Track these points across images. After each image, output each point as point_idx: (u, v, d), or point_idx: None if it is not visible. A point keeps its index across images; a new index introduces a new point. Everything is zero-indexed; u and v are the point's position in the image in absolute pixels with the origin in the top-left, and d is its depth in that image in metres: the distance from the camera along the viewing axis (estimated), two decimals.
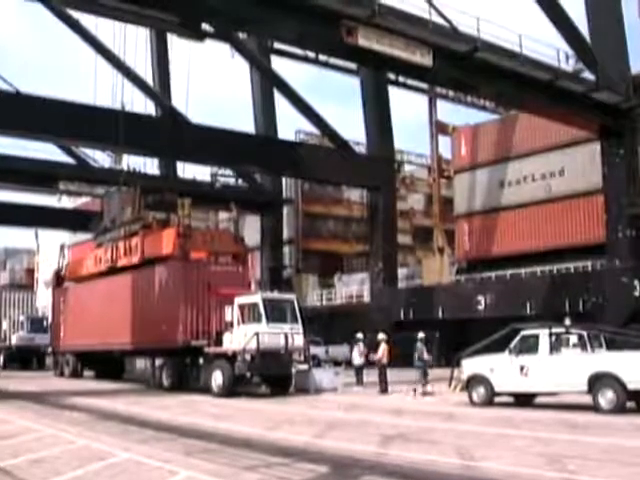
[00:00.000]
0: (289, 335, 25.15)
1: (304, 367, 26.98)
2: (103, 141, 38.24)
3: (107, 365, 36.11)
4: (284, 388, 26.04)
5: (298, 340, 25.81)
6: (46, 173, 45.29)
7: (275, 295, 27.94)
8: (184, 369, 27.79)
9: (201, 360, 26.74)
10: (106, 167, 49.79)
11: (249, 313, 25.25)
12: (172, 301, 28.36)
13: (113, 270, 33.11)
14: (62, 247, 42.35)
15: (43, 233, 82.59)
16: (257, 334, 24.25)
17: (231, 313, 25.36)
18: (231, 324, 25.48)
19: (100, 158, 50.63)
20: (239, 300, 25.60)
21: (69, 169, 47.75)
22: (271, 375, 25.69)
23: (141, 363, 39.10)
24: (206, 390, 25.71)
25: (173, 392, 26.90)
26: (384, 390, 25.85)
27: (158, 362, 30.04)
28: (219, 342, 26.01)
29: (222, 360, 25.40)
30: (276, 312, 25.49)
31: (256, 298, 25.67)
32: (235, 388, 25.10)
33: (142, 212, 31.96)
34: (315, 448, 13.25)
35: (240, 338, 24.88)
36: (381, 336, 26.89)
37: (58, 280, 39.84)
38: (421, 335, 26.26)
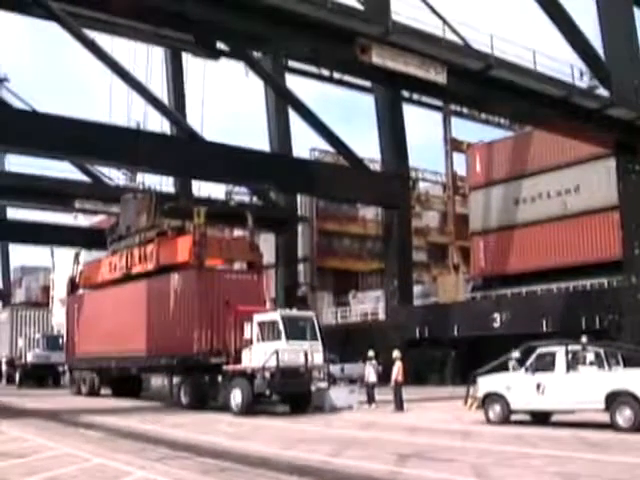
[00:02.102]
0: (309, 353, 24.89)
1: (324, 385, 26.65)
2: (119, 159, 38.44)
3: (125, 383, 35.99)
4: (304, 406, 25.78)
5: (318, 358, 25.48)
6: (62, 192, 45.54)
7: (294, 312, 27.77)
8: (203, 387, 27.53)
9: (220, 378, 26.47)
10: (121, 185, 50.05)
11: (268, 331, 25.02)
12: (187, 309, 28.30)
13: (128, 277, 33.15)
14: (77, 255, 42.37)
15: (59, 251, 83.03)
16: (277, 352, 24.03)
17: (250, 330, 25.15)
18: (250, 341, 25.24)
19: (115, 176, 50.98)
20: (258, 317, 25.43)
21: (85, 187, 48.01)
22: (291, 393, 25.37)
23: (159, 381, 38.83)
24: (225, 408, 25.48)
25: (191, 410, 26.74)
26: (399, 408, 25.74)
27: (176, 380, 29.79)
28: (238, 359, 25.74)
29: (241, 378, 25.15)
30: (295, 329, 25.24)
31: (275, 315, 25.46)
32: (254, 406, 24.86)
33: (157, 219, 31.99)
34: (331, 467, 13.22)
35: (259, 356, 24.62)
36: (396, 354, 26.74)
37: (72, 287, 39.83)
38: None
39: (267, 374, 24.34)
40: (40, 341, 49.62)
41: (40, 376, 48.41)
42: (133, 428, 20.79)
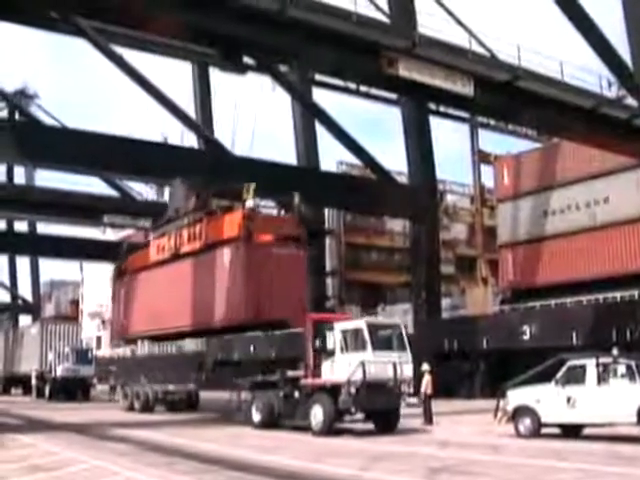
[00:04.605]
0: (397, 364, 22.65)
1: (414, 401, 24.40)
2: (147, 174, 38.69)
3: (180, 397, 35.48)
4: (392, 424, 23.42)
5: (407, 370, 23.08)
6: (91, 206, 45.97)
7: (380, 320, 26.63)
8: (277, 403, 24.88)
9: (296, 393, 24.22)
10: (149, 199, 50.50)
11: (352, 340, 22.89)
12: (236, 281, 27.88)
13: (176, 257, 32.79)
14: (123, 241, 42.64)
15: (88, 265, 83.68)
16: (362, 363, 21.93)
17: (332, 340, 22.98)
18: (332, 352, 23.03)
19: (144, 191, 51.42)
20: (340, 326, 23.38)
21: (113, 202, 48.43)
22: (377, 410, 22.98)
23: (221, 395, 35.97)
24: (301, 427, 23.29)
25: (263, 429, 24.52)
26: (429, 421, 25.57)
27: (245, 395, 27.29)
28: (317, 373, 23.58)
29: (322, 393, 22.91)
30: (381, 339, 23.23)
31: (360, 323, 23.21)
32: (335, 425, 22.72)
33: (207, 200, 32.10)
34: None
35: (342, 368, 22.49)
36: (425, 367, 26.52)
37: (119, 273, 39.82)
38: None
39: (352, 389, 22.09)
40: (70, 355, 50.02)
41: (69, 390, 48.69)
42: (165, 442, 20.82)
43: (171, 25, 25.30)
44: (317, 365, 23.56)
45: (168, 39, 35.05)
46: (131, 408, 35.47)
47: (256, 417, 25.36)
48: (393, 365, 22.52)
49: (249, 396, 26.72)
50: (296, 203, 30.62)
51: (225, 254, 28.95)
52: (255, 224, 28.22)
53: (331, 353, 23.07)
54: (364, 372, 21.85)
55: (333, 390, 22.62)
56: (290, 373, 25.12)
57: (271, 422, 24.85)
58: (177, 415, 32.57)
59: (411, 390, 23.75)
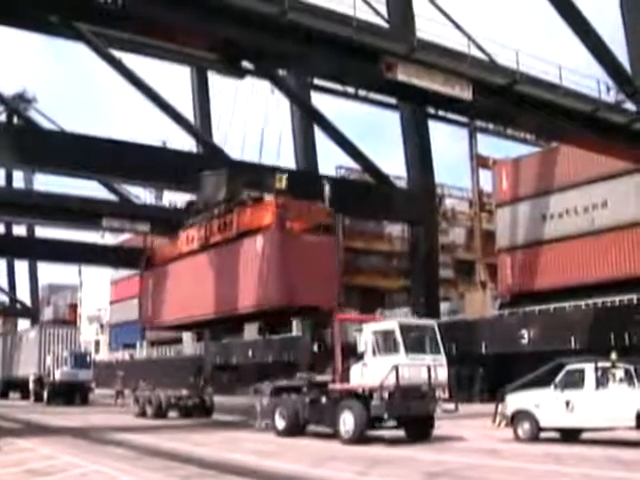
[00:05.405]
0: (432, 368, 21.33)
1: (450, 407, 22.28)
2: (145, 178, 38.65)
3: (194, 403, 34.89)
4: (426, 432, 22.11)
5: (442, 374, 21.74)
6: (90, 210, 45.92)
7: (413, 321, 25.92)
8: (302, 409, 23.52)
9: (323, 399, 22.98)
10: (148, 203, 50.53)
11: (384, 342, 21.58)
12: (269, 268, 27.73)
13: (206, 247, 32.64)
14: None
15: (86, 269, 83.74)
16: (396, 367, 20.61)
17: (363, 342, 21.74)
18: (362, 356, 21.86)
19: (142, 195, 51.40)
20: (371, 327, 22.11)
21: (112, 206, 48.40)
22: (412, 416, 21.51)
23: (237, 400, 34.59)
24: (329, 435, 22.38)
25: (288, 436, 23.28)
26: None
27: (267, 400, 25.73)
28: (345, 377, 22.38)
29: (352, 399, 21.73)
30: (415, 341, 21.88)
31: (392, 324, 21.88)
32: (367, 432, 21.45)
33: (237, 190, 32.07)
34: None
35: (374, 372, 21.20)
36: None
37: (147, 264, 39.63)
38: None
39: (385, 394, 20.82)
40: (68, 359, 49.95)
41: (68, 394, 48.62)
42: (165, 446, 20.78)
43: (174, 30, 25.30)
44: (346, 369, 22.54)
45: (165, 43, 34.97)
46: (143, 414, 34.56)
47: (280, 424, 24.09)
48: (427, 368, 21.28)
49: (271, 402, 25.27)
50: (327, 193, 30.64)
51: (258, 241, 28.80)
52: (288, 212, 28.29)
53: (361, 356, 21.96)
54: (397, 376, 20.58)
55: (364, 395, 21.51)
56: (317, 377, 24.23)
57: (296, 429, 23.71)
58: (187, 420, 32.32)
59: (446, 395, 22.16)
